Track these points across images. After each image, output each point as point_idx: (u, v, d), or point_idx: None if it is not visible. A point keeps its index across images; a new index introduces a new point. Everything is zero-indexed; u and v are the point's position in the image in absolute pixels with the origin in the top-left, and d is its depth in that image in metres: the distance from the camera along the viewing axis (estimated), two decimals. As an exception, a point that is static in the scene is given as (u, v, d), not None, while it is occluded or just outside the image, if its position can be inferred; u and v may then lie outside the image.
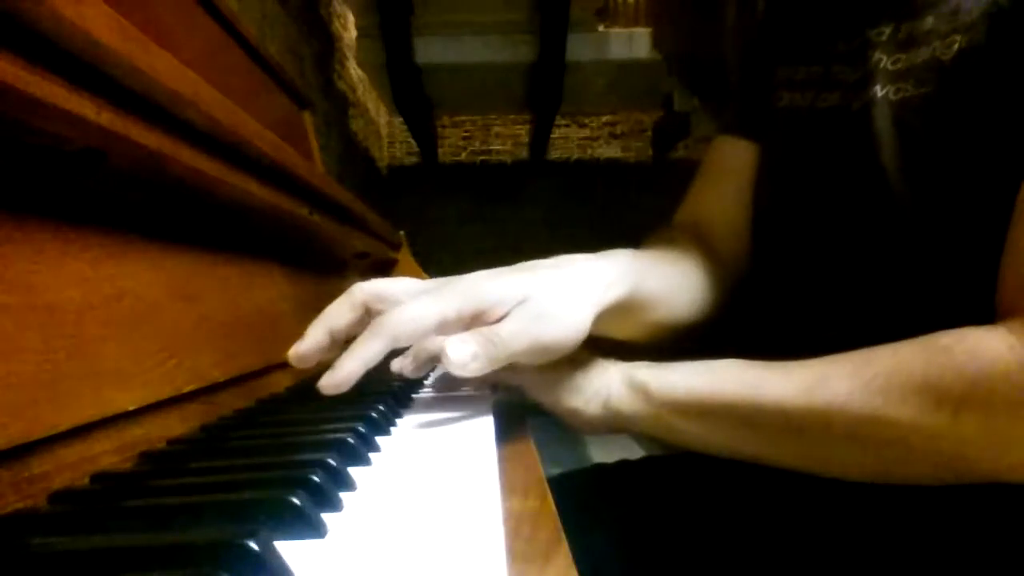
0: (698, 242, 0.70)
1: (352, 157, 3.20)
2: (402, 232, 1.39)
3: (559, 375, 0.55)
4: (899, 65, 0.56)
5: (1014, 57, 0.48)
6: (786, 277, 0.66)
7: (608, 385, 0.55)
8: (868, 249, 0.57)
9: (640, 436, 0.58)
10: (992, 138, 0.49)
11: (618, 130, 4.64)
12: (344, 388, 0.46)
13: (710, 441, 0.53)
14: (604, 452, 2.90)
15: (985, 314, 0.47)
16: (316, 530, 0.28)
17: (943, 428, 0.44)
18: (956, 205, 0.51)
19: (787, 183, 0.67)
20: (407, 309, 0.46)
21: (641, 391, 0.54)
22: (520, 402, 0.62)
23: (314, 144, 1.22)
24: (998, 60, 0.49)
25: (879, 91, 0.57)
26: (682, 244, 0.68)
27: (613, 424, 0.55)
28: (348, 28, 3.14)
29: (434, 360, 0.61)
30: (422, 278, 1.48)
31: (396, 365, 0.62)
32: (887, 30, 0.58)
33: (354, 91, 3.26)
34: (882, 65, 0.57)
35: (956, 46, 0.52)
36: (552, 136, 4.31)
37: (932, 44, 0.54)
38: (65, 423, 0.32)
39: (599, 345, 0.60)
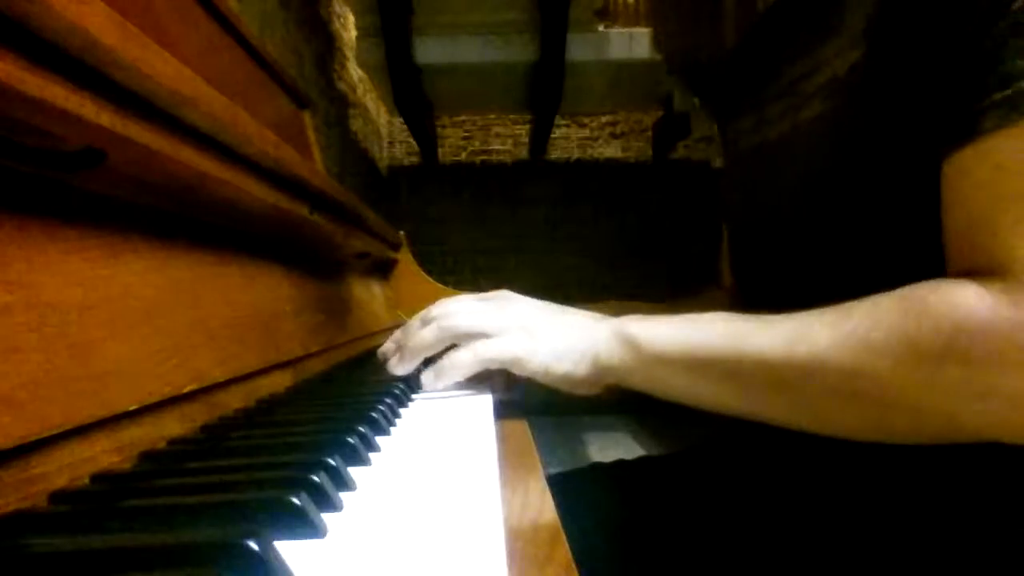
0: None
1: (352, 157, 3.19)
2: (402, 232, 1.39)
3: (546, 341, 0.56)
4: (810, 88, 0.60)
5: (891, 65, 0.51)
6: (763, 290, 0.69)
7: (596, 342, 0.56)
8: (815, 251, 0.59)
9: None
10: (892, 133, 0.51)
11: (618, 130, 4.64)
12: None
13: (697, 394, 0.54)
14: (604, 453, 2.90)
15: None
16: (316, 530, 0.28)
17: (923, 380, 0.44)
18: (876, 199, 0.53)
19: (740, 217, 0.72)
20: None
21: (630, 343, 0.55)
22: (520, 402, 0.62)
23: (314, 144, 1.22)
24: (880, 69, 0.52)
25: (798, 116, 0.61)
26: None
27: (603, 379, 0.57)
28: (348, 28, 3.14)
29: (418, 357, 0.62)
30: (422, 278, 1.48)
31: (388, 368, 0.64)
32: (803, 61, 0.62)
33: (354, 91, 3.26)
34: (800, 94, 0.61)
35: (848, 62, 0.55)
36: (552, 136, 4.30)
37: (832, 64, 0.57)
38: (65, 423, 0.32)
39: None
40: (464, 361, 0.57)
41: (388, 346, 0.68)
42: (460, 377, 0.59)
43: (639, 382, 0.55)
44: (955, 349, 0.43)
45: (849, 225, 0.55)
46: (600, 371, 0.56)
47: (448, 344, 0.61)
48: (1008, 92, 0.43)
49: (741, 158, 0.72)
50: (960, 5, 0.46)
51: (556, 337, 0.57)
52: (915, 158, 0.50)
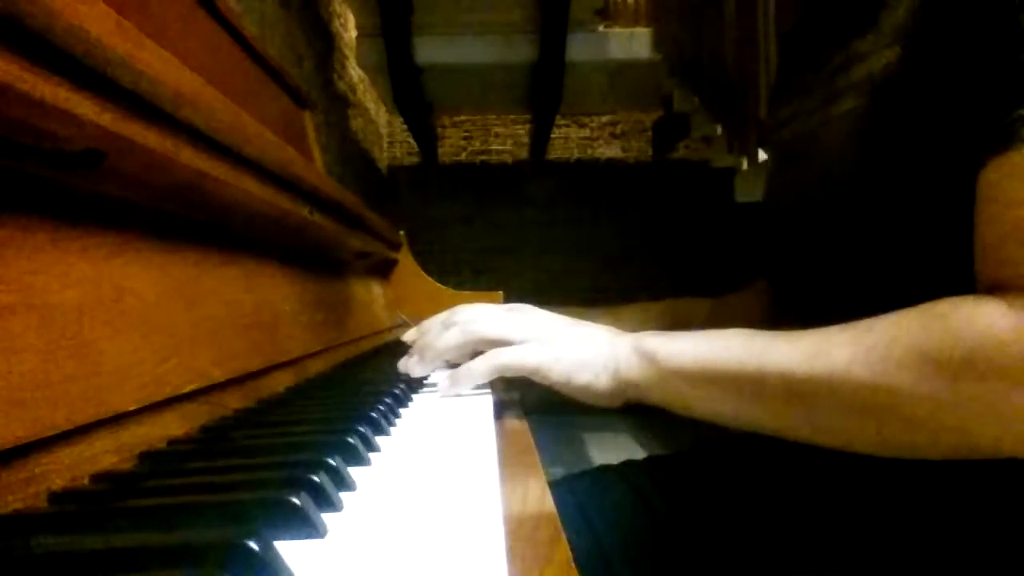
0: None
1: (352, 157, 3.19)
2: (402, 232, 1.39)
3: (567, 353, 0.56)
4: (844, 82, 0.59)
5: (927, 69, 0.51)
6: (792, 282, 0.68)
7: (617, 356, 0.56)
8: (844, 246, 0.59)
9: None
10: (924, 135, 0.51)
11: (618, 130, 4.64)
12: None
13: (717, 409, 0.53)
14: (604, 453, 2.90)
15: (961, 290, 0.48)
16: (316, 530, 0.28)
17: (942, 397, 0.44)
18: (905, 200, 0.53)
19: (777, 202, 0.71)
20: None
21: (649, 358, 0.55)
22: (520, 402, 0.62)
23: (314, 144, 1.22)
24: (916, 71, 0.52)
25: (831, 110, 0.60)
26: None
27: (624, 393, 0.57)
28: (348, 28, 3.14)
29: (439, 359, 0.62)
30: (422, 278, 1.48)
31: (402, 364, 0.63)
32: (840, 53, 0.61)
33: (354, 91, 3.26)
34: (836, 87, 0.61)
35: (884, 60, 0.55)
36: (552, 136, 4.29)
37: (868, 60, 0.57)
38: (65, 423, 0.32)
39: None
40: (480, 369, 0.57)
41: (410, 335, 0.67)
42: (475, 384, 0.58)
43: (658, 397, 0.55)
44: (974, 365, 0.43)
45: (878, 222, 0.55)
46: (620, 385, 0.56)
47: (471, 349, 0.61)
48: None
49: (780, 147, 0.72)
50: (1000, 14, 0.46)
51: (577, 349, 0.57)
52: (947, 162, 0.49)
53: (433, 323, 0.64)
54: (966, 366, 0.43)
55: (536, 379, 0.57)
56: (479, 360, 0.58)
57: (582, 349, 0.57)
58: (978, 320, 0.43)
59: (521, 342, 0.58)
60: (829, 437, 0.50)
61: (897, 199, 0.53)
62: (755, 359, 0.51)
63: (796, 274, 0.67)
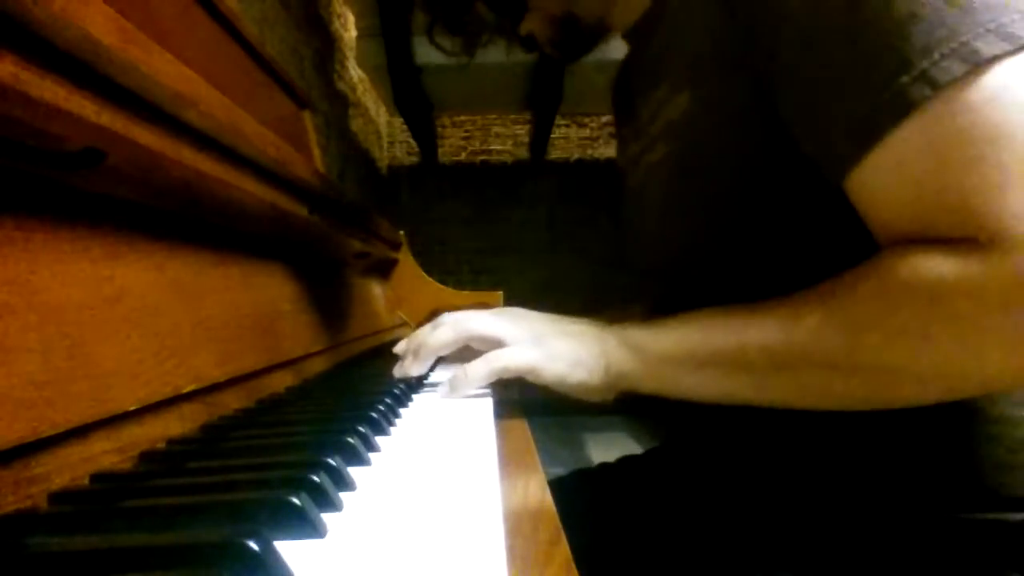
0: None
1: (352, 157, 3.19)
2: (402, 232, 1.39)
3: (560, 352, 0.57)
4: (654, 131, 0.62)
5: (722, 108, 0.54)
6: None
7: (606, 351, 0.57)
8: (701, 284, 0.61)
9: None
10: (743, 162, 0.54)
11: (618, 130, 4.64)
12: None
13: (707, 389, 0.54)
14: (604, 453, 2.90)
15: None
16: (316, 530, 0.28)
17: (916, 350, 0.45)
18: (750, 235, 0.56)
19: (631, 237, 0.73)
20: None
21: (636, 349, 0.56)
22: (520, 402, 0.62)
23: (314, 144, 1.22)
24: (711, 111, 0.55)
25: (648, 157, 0.63)
26: None
27: (617, 387, 0.58)
28: (348, 28, 3.13)
29: (432, 356, 0.62)
30: (422, 278, 1.48)
31: (397, 368, 0.64)
32: (648, 99, 0.64)
33: (354, 91, 3.26)
34: (648, 135, 0.63)
35: (681, 107, 0.57)
36: (552, 136, 4.29)
37: (668, 107, 0.59)
38: (65, 423, 0.32)
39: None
40: (479, 372, 0.58)
41: (400, 347, 0.68)
42: (475, 388, 0.59)
43: (649, 386, 0.57)
44: (938, 313, 0.44)
45: (730, 259, 0.57)
46: (612, 379, 0.57)
47: (463, 344, 0.62)
48: (935, 57, 0.42)
49: (626, 191, 0.73)
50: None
51: (568, 347, 0.58)
52: (793, 169, 0.51)
53: (422, 329, 0.65)
54: (932, 318, 0.44)
55: (530, 378, 0.58)
56: (477, 363, 0.58)
57: (574, 347, 0.57)
58: (930, 269, 0.44)
59: (512, 342, 0.58)
60: (820, 400, 0.51)
61: (730, 229, 0.56)
62: (735, 336, 0.52)
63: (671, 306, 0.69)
